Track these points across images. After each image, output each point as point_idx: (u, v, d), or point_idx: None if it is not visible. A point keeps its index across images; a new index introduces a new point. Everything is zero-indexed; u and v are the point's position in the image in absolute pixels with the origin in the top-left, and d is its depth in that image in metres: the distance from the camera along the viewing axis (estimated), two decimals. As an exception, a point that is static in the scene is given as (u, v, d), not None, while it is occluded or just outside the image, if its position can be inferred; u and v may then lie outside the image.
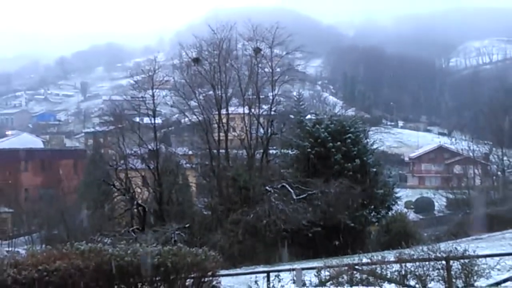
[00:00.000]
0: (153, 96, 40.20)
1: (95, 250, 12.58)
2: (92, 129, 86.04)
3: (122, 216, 39.98)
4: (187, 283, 13.11)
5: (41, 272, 11.35)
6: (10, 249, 41.68)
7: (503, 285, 14.15)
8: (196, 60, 41.49)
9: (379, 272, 14.46)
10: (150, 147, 40.26)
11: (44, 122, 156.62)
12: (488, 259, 14.83)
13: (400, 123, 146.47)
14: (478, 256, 14.51)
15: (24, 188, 66.93)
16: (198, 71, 40.87)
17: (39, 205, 55.13)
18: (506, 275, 14.50)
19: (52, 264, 11.61)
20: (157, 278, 12.63)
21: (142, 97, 41.76)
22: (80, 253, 12.37)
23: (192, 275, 13.15)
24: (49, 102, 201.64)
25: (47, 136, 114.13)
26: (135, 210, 38.78)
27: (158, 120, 49.70)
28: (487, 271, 14.07)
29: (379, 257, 15.09)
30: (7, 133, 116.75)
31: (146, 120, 41.92)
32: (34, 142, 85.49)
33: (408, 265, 14.35)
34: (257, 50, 40.14)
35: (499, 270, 14.60)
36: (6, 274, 11.17)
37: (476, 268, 14.07)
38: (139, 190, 40.32)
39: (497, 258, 14.95)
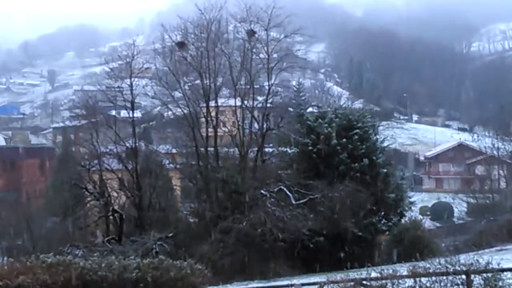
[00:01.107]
0: (131, 85, 40.12)
1: (64, 264, 12.59)
2: (61, 124, 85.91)
3: (95, 224, 39.90)
4: (170, 301, 13.13)
5: (2, 289, 11.34)
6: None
7: (531, 302, 14.18)
8: (181, 45, 41.42)
9: (390, 288, 14.49)
10: (128, 144, 40.18)
11: (6, 115, 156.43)
12: (514, 273, 14.87)
13: (415, 117, 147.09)
14: (503, 270, 14.52)
15: (-17, 192, 66.77)
16: (183, 57, 40.78)
17: (-1, 211, 54.99)
18: (535, 292, 14.53)
19: (15, 279, 11.61)
20: (135, 296, 12.64)
21: (118, 87, 41.68)
22: (47, 266, 12.36)
23: (176, 292, 13.17)
24: (11, 93, 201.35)
25: (10, 132, 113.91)
26: (111, 217, 38.72)
27: (138, 114, 49.66)
28: (514, 286, 14.12)
29: (390, 271, 15.09)
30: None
31: (123, 113, 41.84)
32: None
33: (423, 280, 14.35)
34: (250, 33, 40.10)
35: (527, 285, 14.64)
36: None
37: (500, 283, 14.09)
38: (115, 194, 40.25)
39: (525, 272, 14.98)
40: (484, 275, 14.19)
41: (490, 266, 14.46)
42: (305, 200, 34.21)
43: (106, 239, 36.08)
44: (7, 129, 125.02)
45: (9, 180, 65.75)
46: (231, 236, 32.25)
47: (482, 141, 70.60)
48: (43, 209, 50.77)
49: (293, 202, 33.89)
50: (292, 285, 15.70)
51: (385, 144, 41.36)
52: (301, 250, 32.96)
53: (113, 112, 42.52)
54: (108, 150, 40.55)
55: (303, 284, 16.13)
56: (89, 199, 40.84)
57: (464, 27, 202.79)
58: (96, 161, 40.20)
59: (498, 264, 14.66)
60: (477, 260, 14.50)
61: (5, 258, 29.29)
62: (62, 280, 12.05)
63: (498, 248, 31.17)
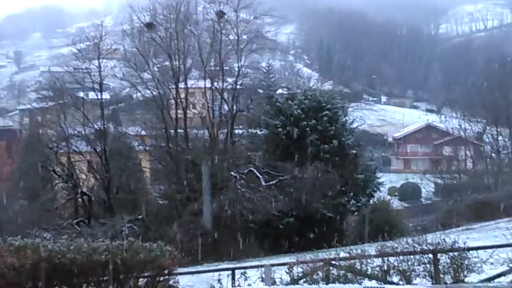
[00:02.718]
0: (99, 67, 39.76)
1: (32, 247, 12.45)
2: (28, 106, 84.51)
3: (64, 207, 39.64)
4: (139, 283, 13.08)
5: (-31, 273, 11.21)
6: None
7: (496, 280, 14.42)
8: (150, 26, 41.13)
9: (359, 267, 14.65)
10: (96, 126, 39.93)
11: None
12: (480, 251, 15.11)
13: (383, 99, 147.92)
14: (469, 249, 14.77)
15: None
16: (152, 38, 40.55)
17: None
18: (499, 270, 14.77)
19: (-18, 263, 11.46)
20: (104, 278, 12.57)
21: (86, 68, 41.23)
22: (14, 249, 12.23)
23: (146, 274, 13.13)
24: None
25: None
26: (80, 199, 38.50)
27: (106, 95, 49.19)
28: (479, 265, 14.34)
29: (359, 251, 15.28)
30: None
31: (91, 95, 41.46)
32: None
33: (391, 259, 14.56)
34: (220, 14, 39.94)
35: (492, 264, 14.88)
36: None
37: (466, 262, 14.33)
38: (84, 177, 39.99)
39: (490, 251, 15.21)
40: (451, 254, 14.43)
41: (457, 245, 14.70)
42: (275, 181, 34.37)
43: (74, 221, 35.84)
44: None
45: (-25, 163, 64.68)
46: (201, 218, 32.31)
47: (450, 122, 71.33)
48: (10, 192, 50.05)
49: (263, 183, 34.03)
50: (262, 265, 15.76)
51: (354, 125, 41.62)
52: (271, 231, 33.19)
53: (81, 94, 42.08)
54: (76, 132, 40.22)
55: (272, 265, 16.20)
56: (57, 181, 40.58)
57: (432, 9, 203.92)
58: (64, 143, 39.85)
59: (464, 243, 14.91)
60: (444, 239, 14.74)
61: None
62: (30, 263, 11.92)
63: (465, 227, 31.74)
